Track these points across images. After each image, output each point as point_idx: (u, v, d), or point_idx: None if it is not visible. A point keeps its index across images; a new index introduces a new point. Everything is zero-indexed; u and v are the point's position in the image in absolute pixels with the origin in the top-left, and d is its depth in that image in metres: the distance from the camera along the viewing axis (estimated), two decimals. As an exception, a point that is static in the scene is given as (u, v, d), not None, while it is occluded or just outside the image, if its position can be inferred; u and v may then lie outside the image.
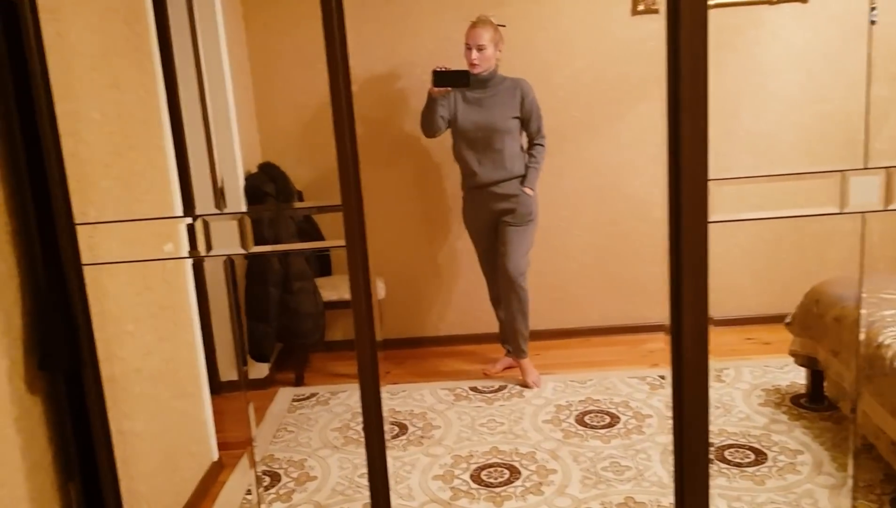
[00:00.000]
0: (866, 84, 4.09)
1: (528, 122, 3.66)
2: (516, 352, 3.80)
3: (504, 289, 3.71)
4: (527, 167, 3.67)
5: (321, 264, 4.24)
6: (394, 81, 4.14)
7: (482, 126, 3.59)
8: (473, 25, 3.53)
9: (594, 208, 4.28)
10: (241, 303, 3.73)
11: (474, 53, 3.52)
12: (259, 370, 3.93)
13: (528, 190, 3.65)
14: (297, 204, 3.85)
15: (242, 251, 1.83)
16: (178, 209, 2.83)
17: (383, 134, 4.20)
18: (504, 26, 3.58)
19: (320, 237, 4.15)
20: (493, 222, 3.72)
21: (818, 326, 3.11)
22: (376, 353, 1.90)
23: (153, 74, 2.64)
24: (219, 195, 1.86)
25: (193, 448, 2.87)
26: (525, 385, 3.74)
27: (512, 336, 3.79)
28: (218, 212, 1.85)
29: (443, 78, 3.41)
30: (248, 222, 1.78)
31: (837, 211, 1.83)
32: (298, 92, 4.16)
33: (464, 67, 3.51)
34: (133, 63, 2.50)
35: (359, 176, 1.63)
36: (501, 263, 3.68)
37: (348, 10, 1.65)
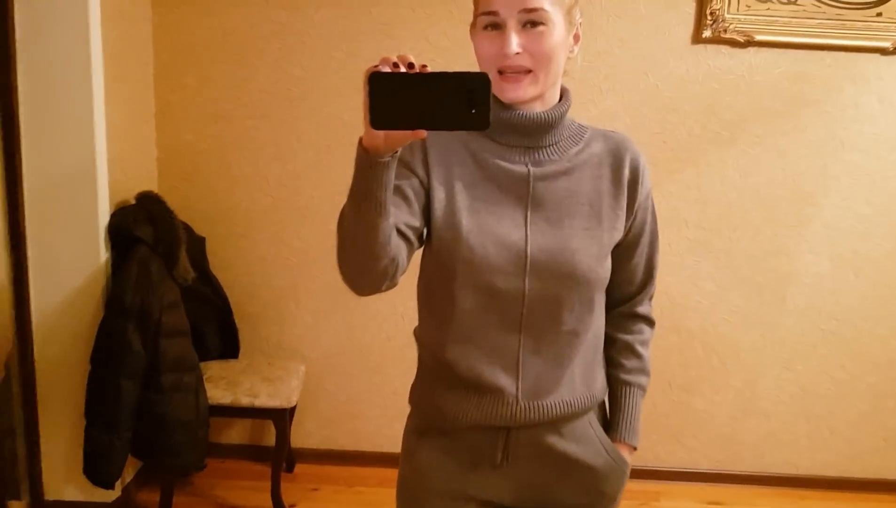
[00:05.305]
0: None
1: (631, 249, 1.39)
2: None
3: None
4: (623, 384, 1.44)
5: (224, 341, 2.97)
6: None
7: (542, 259, 1.27)
8: None
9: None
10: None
11: (514, 42, 1.18)
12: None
13: (625, 449, 1.42)
14: (187, 261, 2.63)
15: None
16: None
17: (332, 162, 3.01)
18: None
19: (226, 306, 2.93)
20: None
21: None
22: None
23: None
24: None
25: None
26: None
27: None
28: None
29: (397, 92, 0.94)
30: None
31: None
32: (213, 100, 2.96)
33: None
34: None
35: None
36: None
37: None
